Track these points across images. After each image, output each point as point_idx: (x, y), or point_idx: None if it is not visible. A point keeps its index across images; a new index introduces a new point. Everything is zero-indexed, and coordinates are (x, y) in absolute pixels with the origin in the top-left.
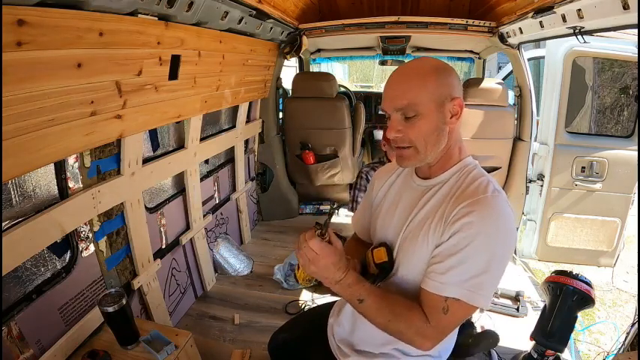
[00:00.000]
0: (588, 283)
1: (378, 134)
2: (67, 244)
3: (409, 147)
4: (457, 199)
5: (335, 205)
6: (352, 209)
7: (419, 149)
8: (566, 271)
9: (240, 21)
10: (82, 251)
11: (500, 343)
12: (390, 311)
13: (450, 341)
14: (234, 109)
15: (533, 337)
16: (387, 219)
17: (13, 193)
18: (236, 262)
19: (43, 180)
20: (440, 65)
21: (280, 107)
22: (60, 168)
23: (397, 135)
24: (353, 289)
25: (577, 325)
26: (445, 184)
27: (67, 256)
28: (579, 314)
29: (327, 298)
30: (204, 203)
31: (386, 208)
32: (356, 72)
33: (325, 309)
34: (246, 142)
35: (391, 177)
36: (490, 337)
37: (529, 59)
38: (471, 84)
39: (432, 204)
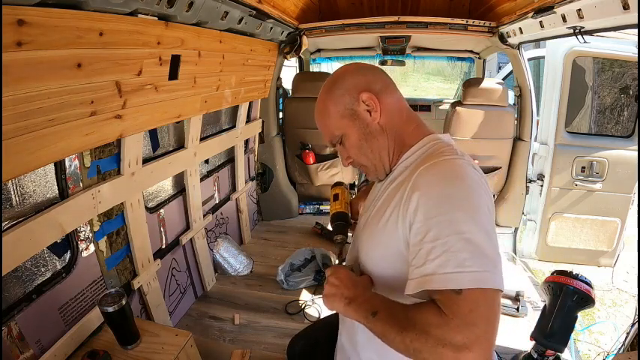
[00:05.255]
0: (588, 283)
1: None
2: (67, 244)
3: (361, 165)
4: (413, 170)
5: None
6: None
7: (365, 164)
8: (566, 271)
9: (240, 21)
10: (82, 251)
11: (501, 343)
12: (404, 316)
13: None
14: (234, 109)
15: (533, 337)
16: (363, 217)
17: (13, 193)
18: (236, 262)
19: (43, 180)
20: (329, 83)
21: (280, 107)
22: (60, 168)
23: (347, 161)
24: (368, 304)
25: (577, 325)
26: (405, 167)
27: (67, 256)
28: (579, 314)
29: None
30: (204, 203)
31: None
32: None
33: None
34: (246, 142)
35: None
36: None
37: (529, 59)
38: (471, 84)
39: (392, 188)
